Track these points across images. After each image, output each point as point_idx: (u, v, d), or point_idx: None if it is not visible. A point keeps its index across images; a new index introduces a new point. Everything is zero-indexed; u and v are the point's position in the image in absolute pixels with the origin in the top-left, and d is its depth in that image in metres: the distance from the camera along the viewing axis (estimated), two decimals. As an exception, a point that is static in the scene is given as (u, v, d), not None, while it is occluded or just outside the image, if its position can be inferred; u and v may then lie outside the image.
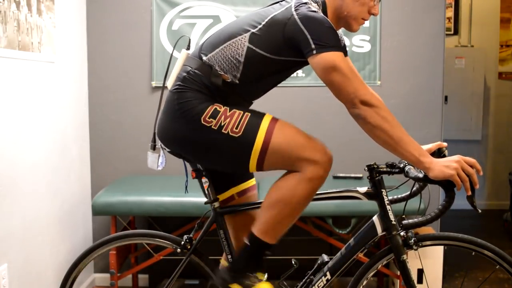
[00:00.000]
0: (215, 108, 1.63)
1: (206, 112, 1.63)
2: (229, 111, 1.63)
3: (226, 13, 3.14)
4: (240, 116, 1.62)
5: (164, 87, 1.86)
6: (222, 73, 1.67)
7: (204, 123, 1.62)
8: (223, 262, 1.91)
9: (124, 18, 3.16)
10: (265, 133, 1.61)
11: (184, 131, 1.66)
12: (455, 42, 5.20)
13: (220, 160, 1.69)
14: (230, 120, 1.62)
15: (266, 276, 1.79)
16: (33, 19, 2.38)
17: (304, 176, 1.61)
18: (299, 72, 3.15)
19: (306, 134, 1.66)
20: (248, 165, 1.64)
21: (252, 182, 1.91)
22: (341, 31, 1.82)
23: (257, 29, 1.65)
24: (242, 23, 1.70)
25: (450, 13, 5.13)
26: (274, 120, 1.65)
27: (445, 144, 1.71)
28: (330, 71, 1.55)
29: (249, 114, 1.64)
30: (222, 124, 1.62)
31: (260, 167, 1.65)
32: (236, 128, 1.61)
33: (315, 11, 1.60)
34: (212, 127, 1.62)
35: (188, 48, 1.80)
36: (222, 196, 1.85)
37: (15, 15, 2.20)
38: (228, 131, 1.61)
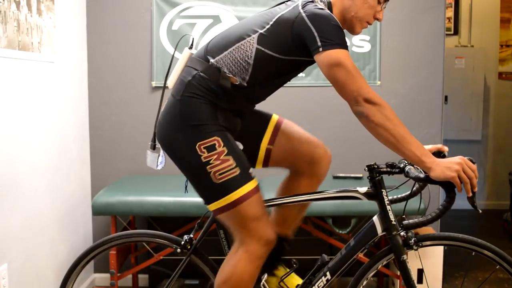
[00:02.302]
0: (214, 144, 1.63)
1: (205, 142, 1.63)
2: (224, 155, 1.63)
3: (226, 13, 3.14)
4: (229, 168, 1.63)
5: (165, 87, 1.86)
6: (231, 75, 1.66)
7: (197, 149, 1.63)
8: None
9: (124, 18, 3.16)
10: (239, 197, 1.63)
11: (178, 143, 1.67)
12: (455, 42, 5.20)
13: (192, 182, 1.72)
14: (220, 164, 1.62)
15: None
16: (33, 19, 2.38)
17: (246, 254, 1.67)
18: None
19: (267, 215, 1.72)
20: (209, 204, 1.68)
21: (274, 119, 1.90)
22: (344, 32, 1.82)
23: (265, 29, 1.65)
24: (249, 25, 1.69)
25: (450, 13, 5.13)
26: (254, 191, 1.66)
27: (446, 148, 1.71)
28: (335, 68, 1.55)
29: (238, 171, 1.64)
30: (211, 162, 1.62)
31: (216, 212, 1.69)
32: (219, 175, 1.62)
33: (322, 9, 1.61)
34: (202, 157, 1.63)
35: (191, 47, 1.79)
36: (260, 159, 1.87)
37: (15, 15, 2.20)
38: (211, 172, 1.62)
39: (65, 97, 2.81)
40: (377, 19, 1.74)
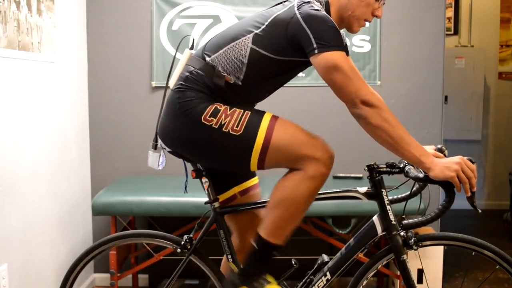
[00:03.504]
0: (216, 107, 1.63)
1: (207, 111, 1.63)
2: (230, 110, 1.63)
3: (226, 13, 3.14)
4: (240, 115, 1.62)
5: (166, 87, 1.86)
6: (225, 74, 1.67)
7: (205, 122, 1.62)
8: (225, 262, 1.91)
9: (124, 18, 3.16)
10: (265, 131, 1.61)
11: (185, 130, 1.66)
12: (455, 42, 5.20)
13: (220, 159, 1.68)
14: (231, 118, 1.61)
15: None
16: (33, 19, 2.38)
17: (306, 174, 1.61)
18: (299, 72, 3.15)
19: (307, 131, 1.66)
20: (250, 163, 1.64)
21: (254, 180, 1.91)
22: (343, 31, 1.82)
23: (260, 29, 1.65)
24: (245, 24, 1.70)
25: (450, 13, 5.13)
26: (274, 118, 1.65)
27: (441, 154, 1.70)
28: (332, 71, 1.55)
29: (249, 112, 1.64)
30: (223, 122, 1.61)
31: (261, 165, 1.64)
32: (237, 127, 1.61)
33: (317, 10, 1.60)
34: (213, 126, 1.62)
35: (191, 48, 1.80)
36: (224, 196, 1.85)
37: (15, 15, 2.20)
38: (228, 130, 1.61)
39: (65, 97, 2.81)
40: (376, 16, 1.73)
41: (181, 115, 1.66)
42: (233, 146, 1.63)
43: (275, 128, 1.62)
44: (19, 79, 2.28)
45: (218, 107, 1.63)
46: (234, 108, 1.64)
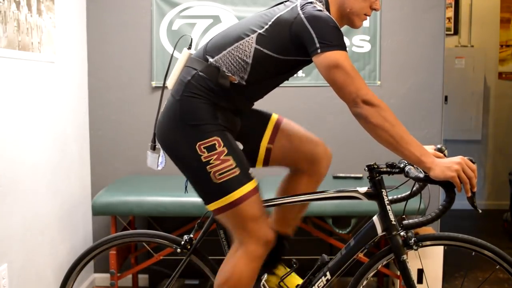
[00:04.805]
0: (214, 144, 1.63)
1: (205, 141, 1.63)
2: (224, 156, 1.63)
3: (226, 13, 3.14)
4: (229, 168, 1.63)
5: (164, 87, 1.86)
6: (230, 74, 1.67)
7: (197, 149, 1.63)
8: None
9: (124, 18, 3.16)
10: (238, 197, 1.63)
11: (178, 143, 1.68)
12: (455, 42, 5.20)
13: (191, 182, 1.72)
14: (219, 164, 1.62)
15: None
16: (33, 19, 2.38)
17: (245, 254, 1.67)
18: (299, 72, 3.15)
19: (266, 216, 1.72)
20: (209, 203, 1.68)
21: (273, 118, 1.90)
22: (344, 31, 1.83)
23: (263, 29, 1.66)
24: (248, 25, 1.70)
25: (450, 13, 5.13)
26: (255, 190, 1.67)
27: (441, 154, 1.70)
28: (333, 70, 1.56)
29: (238, 171, 1.64)
30: (210, 162, 1.62)
31: (215, 213, 1.69)
32: (219, 175, 1.62)
33: (320, 10, 1.61)
34: (201, 157, 1.63)
35: (190, 48, 1.80)
36: (260, 160, 1.87)
37: (15, 15, 2.20)
38: (211, 172, 1.62)
39: (65, 97, 2.81)
40: (375, 9, 1.74)
41: (181, 127, 1.67)
42: (204, 183, 1.66)
43: (248, 200, 1.64)
44: (19, 79, 2.28)
45: (217, 145, 1.63)
46: (229, 157, 1.63)
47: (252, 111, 1.88)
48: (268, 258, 1.73)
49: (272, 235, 1.70)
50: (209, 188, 1.66)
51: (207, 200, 1.68)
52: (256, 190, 1.67)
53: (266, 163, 1.88)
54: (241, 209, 1.64)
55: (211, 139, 1.63)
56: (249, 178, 1.66)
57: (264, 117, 1.89)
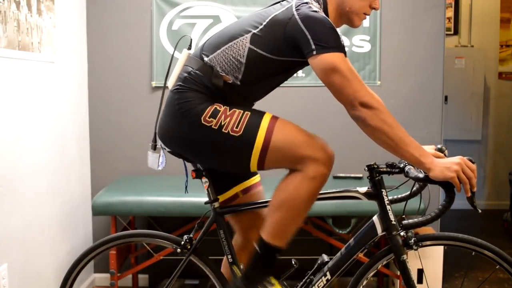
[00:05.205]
0: (215, 108, 1.63)
1: (206, 112, 1.63)
2: (229, 110, 1.63)
3: (226, 13, 3.14)
4: (240, 115, 1.62)
5: (165, 87, 1.86)
6: (224, 74, 1.67)
7: (204, 123, 1.62)
8: (225, 263, 1.91)
9: (124, 18, 3.16)
10: (265, 132, 1.61)
11: (185, 131, 1.66)
12: (455, 42, 5.20)
13: (220, 159, 1.69)
14: (230, 119, 1.61)
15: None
16: (33, 19, 2.38)
17: (306, 175, 1.60)
18: (299, 72, 3.15)
19: (307, 132, 1.66)
20: (249, 164, 1.64)
21: (256, 179, 1.90)
22: (339, 31, 1.82)
23: (258, 29, 1.65)
24: (243, 24, 1.70)
25: (450, 13, 5.13)
26: (274, 118, 1.65)
27: (441, 154, 1.70)
28: (330, 73, 1.55)
29: (249, 113, 1.64)
30: (222, 123, 1.61)
31: (261, 166, 1.64)
32: (237, 127, 1.61)
33: (316, 11, 1.60)
34: (212, 126, 1.62)
35: (189, 48, 1.80)
36: (225, 195, 1.85)
37: (15, 15, 2.20)
38: (228, 131, 1.61)
39: (65, 97, 2.81)
40: (374, 8, 1.73)
41: (181, 115, 1.66)
42: (232, 147, 1.63)
43: (274, 128, 1.62)
44: (19, 79, 2.28)
45: (218, 108, 1.63)
46: (233, 109, 1.64)
47: None
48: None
49: (326, 149, 1.61)
50: (238, 148, 1.62)
51: (246, 160, 1.62)
52: (275, 118, 1.64)
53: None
54: (277, 141, 1.60)
55: (210, 107, 1.63)
56: (262, 112, 1.66)
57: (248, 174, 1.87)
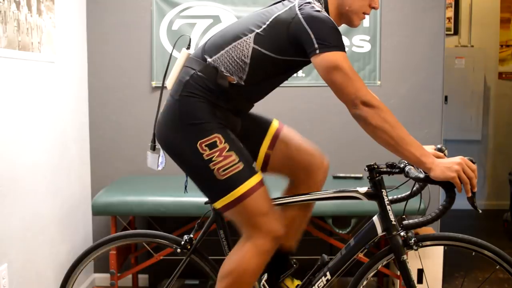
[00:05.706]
0: (215, 141, 1.63)
1: (205, 139, 1.63)
2: (226, 152, 1.63)
3: (226, 13, 3.14)
4: (233, 164, 1.62)
5: (163, 87, 1.86)
6: (228, 74, 1.66)
7: (198, 147, 1.63)
8: None
9: (124, 18, 3.16)
10: (245, 190, 1.63)
11: (178, 143, 1.68)
12: (455, 42, 5.20)
13: (195, 181, 1.72)
14: (222, 160, 1.62)
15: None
16: (33, 19, 2.38)
17: (254, 246, 1.66)
18: (299, 72, 3.15)
19: (275, 210, 1.71)
20: (215, 201, 1.68)
21: (273, 125, 1.89)
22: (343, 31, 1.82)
23: (261, 29, 1.65)
24: (246, 24, 1.69)
25: (450, 13, 5.13)
26: (260, 184, 1.66)
27: (441, 154, 1.70)
28: (332, 71, 1.55)
29: (242, 166, 1.64)
30: (213, 159, 1.62)
31: (222, 209, 1.69)
32: (223, 172, 1.62)
33: (319, 11, 1.60)
34: (203, 155, 1.62)
35: (188, 48, 1.80)
36: (259, 163, 1.85)
37: (15, 15, 2.20)
38: (214, 169, 1.62)
39: (65, 97, 2.81)
40: (374, 8, 1.74)
41: (180, 126, 1.66)
42: (208, 181, 1.66)
43: (255, 193, 1.64)
44: (19, 79, 2.28)
45: (218, 142, 1.63)
46: (232, 152, 1.63)
47: (253, 115, 1.88)
48: (275, 271, 1.73)
49: (281, 230, 1.68)
50: (214, 186, 1.65)
51: (213, 198, 1.68)
52: (261, 183, 1.66)
53: (264, 168, 1.87)
54: (248, 204, 1.63)
55: (211, 136, 1.63)
56: (253, 172, 1.66)
57: (265, 123, 1.88)
